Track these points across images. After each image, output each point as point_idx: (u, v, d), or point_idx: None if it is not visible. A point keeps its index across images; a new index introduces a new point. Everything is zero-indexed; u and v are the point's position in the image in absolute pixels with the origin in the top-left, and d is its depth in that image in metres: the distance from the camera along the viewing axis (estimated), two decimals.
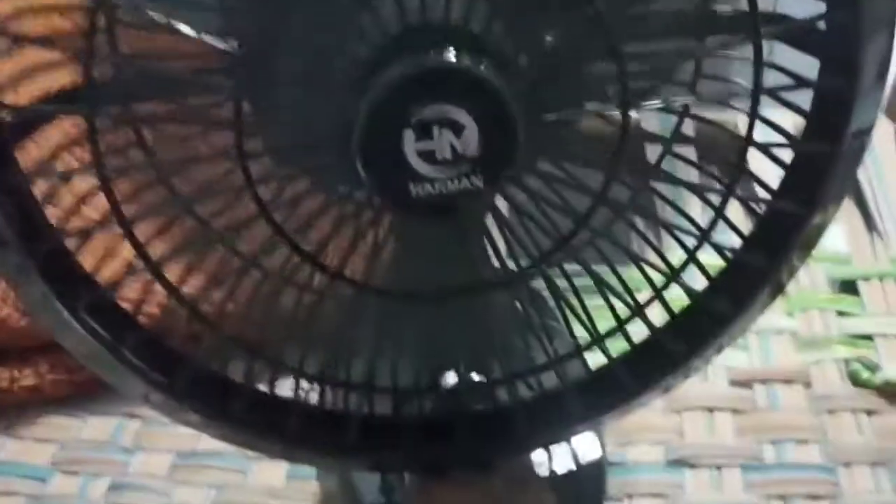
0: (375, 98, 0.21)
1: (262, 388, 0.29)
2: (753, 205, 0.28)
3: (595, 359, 0.30)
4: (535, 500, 0.31)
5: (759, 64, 0.24)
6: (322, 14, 0.23)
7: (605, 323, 0.29)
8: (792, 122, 0.27)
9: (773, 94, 0.25)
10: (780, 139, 0.27)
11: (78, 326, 0.26)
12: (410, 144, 0.22)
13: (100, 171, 0.24)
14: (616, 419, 0.31)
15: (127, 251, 0.27)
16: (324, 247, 0.25)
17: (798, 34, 0.25)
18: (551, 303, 0.32)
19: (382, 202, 0.24)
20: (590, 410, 0.30)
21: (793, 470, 0.40)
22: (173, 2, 0.23)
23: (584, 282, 0.29)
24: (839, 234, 0.53)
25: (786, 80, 0.26)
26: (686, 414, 0.43)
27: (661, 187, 0.31)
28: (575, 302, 0.31)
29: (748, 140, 0.26)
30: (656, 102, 0.25)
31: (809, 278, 0.51)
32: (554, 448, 0.36)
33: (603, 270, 0.29)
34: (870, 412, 0.43)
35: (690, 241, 0.28)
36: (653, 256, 0.29)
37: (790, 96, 0.26)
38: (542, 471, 0.36)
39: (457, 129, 0.22)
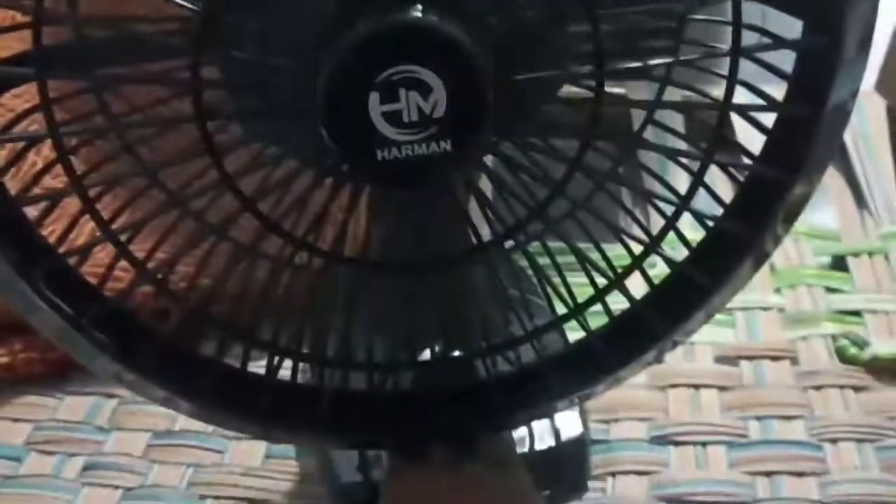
0: (338, 58, 0.21)
1: (234, 363, 0.29)
2: (735, 172, 0.27)
3: (576, 334, 0.30)
4: (513, 483, 0.30)
5: (738, 25, 0.24)
6: None
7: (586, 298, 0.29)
8: (778, 95, 0.27)
9: (753, 55, 0.25)
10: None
11: (38, 299, 0.25)
12: (376, 106, 0.21)
13: (55, 138, 0.23)
14: (597, 394, 0.30)
15: (91, 224, 0.26)
16: (289, 215, 0.24)
17: None
18: (530, 275, 0.31)
19: (349, 167, 0.23)
20: (568, 385, 0.30)
21: (778, 446, 0.40)
22: None
23: (564, 256, 0.29)
24: (829, 211, 0.53)
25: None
26: (671, 391, 0.43)
27: (644, 157, 0.31)
28: (554, 274, 0.31)
29: (727, 104, 0.25)
30: (633, 65, 0.24)
31: (798, 254, 0.51)
32: (535, 425, 0.36)
33: (585, 245, 0.28)
34: (857, 388, 0.43)
35: (671, 211, 0.27)
36: (635, 229, 0.28)
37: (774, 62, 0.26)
38: (522, 448, 0.36)
39: (424, 90, 0.21)
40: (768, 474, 0.39)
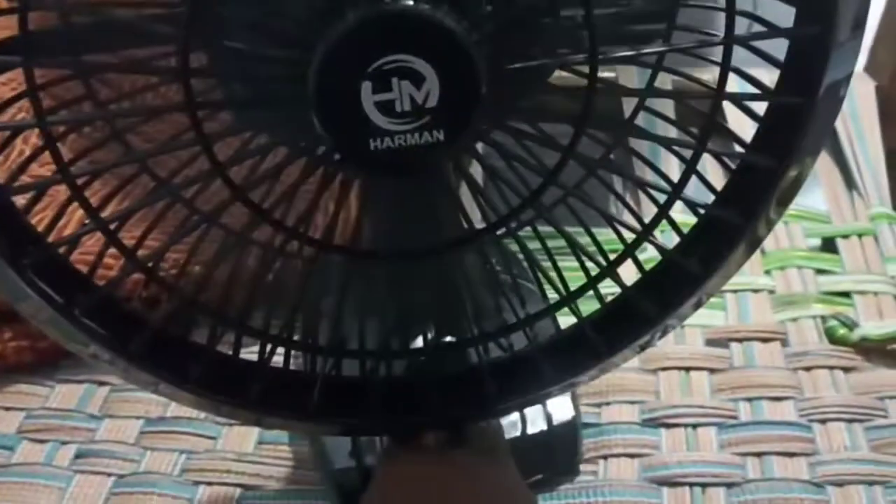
0: (330, 47, 0.20)
1: (225, 350, 0.29)
2: (728, 159, 0.27)
3: (569, 320, 0.30)
4: (500, 472, 0.30)
5: (731, 12, 0.23)
6: None
7: (578, 285, 0.29)
8: (770, 80, 0.27)
9: (747, 43, 0.24)
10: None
11: (27, 289, 0.25)
12: (368, 96, 0.21)
13: (42, 126, 0.22)
14: (589, 380, 0.31)
15: (81, 211, 0.26)
16: (280, 204, 0.24)
17: None
18: (523, 263, 0.31)
19: (342, 157, 0.23)
20: (560, 371, 0.30)
21: (768, 427, 0.40)
22: None
23: (556, 240, 0.28)
24: (818, 193, 0.53)
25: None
26: (662, 373, 0.43)
27: (636, 143, 0.31)
28: (546, 261, 0.31)
29: (720, 92, 0.25)
30: (626, 53, 0.24)
31: (788, 236, 0.51)
32: (527, 409, 0.36)
33: (577, 232, 0.28)
34: (846, 369, 0.43)
35: (664, 200, 0.27)
36: (627, 216, 0.28)
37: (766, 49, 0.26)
38: (515, 432, 0.36)
39: (416, 79, 0.21)
40: (759, 455, 0.39)
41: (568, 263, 0.30)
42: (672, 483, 0.38)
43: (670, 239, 0.29)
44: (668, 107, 0.46)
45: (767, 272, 0.49)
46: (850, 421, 0.40)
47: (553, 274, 0.30)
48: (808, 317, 0.46)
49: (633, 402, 0.42)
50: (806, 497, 0.37)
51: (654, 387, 0.42)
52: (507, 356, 0.30)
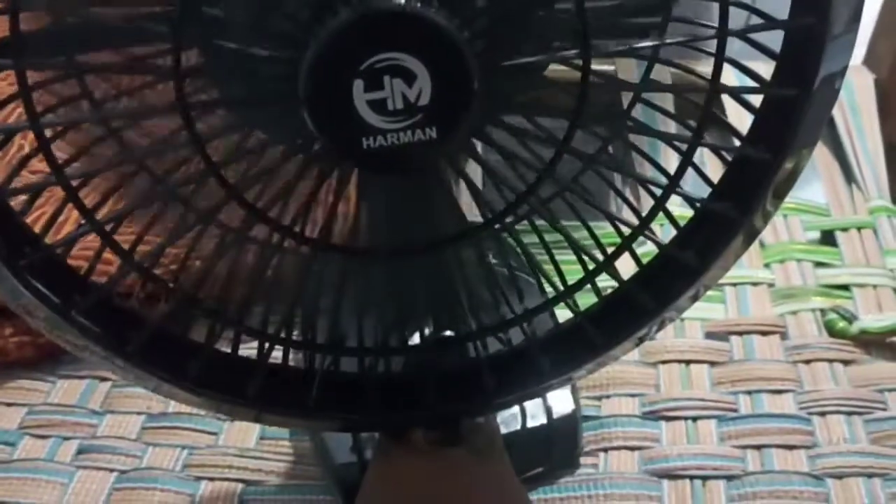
0: (321, 45, 0.20)
1: (223, 348, 0.29)
2: (724, 152, 0.27)
3: (567, 314, 0.30)
4: (495, 471, 0.30)
5: (724, 3, 0.23)
6: None
7: (576, 279, 0.29)
8: (767, 72, 0.26)
9: (742, 35, 0.24)
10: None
11: (25, 290, 0.25)
12: (360, 94, 0.21)
13: (35, 128, 0.22)
14: (588, 373, 0.31)
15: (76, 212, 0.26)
16: (276, 203, 0.24)
17: None
18: (520, 254, 0.31)
19: (334, 156, 0.23)
20: (559, 365, 0.30)
21: (768, 420, 0.40)
22: None
23: (555, 237, 0.28)
24: (817, 185, 0.53)
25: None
26: (662, 366, 0.43)
27: (636, 140, 0.31)
28: (543, 256, 0.31)
29: (715, 84, 0.25)
30: (620, 48, 0.24)
31: (787, 229, 0.51)
32: (527, 403, 0.36)
33: (575, 226, 0.28)
34: (846, 362, 0.43)
35: (660, 192, 0.27)
36: (624, 210, 0.28)
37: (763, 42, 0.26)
38: (515, 426, 0.36)
39: (408, 77, 0.21)
40: (758, 447, 0.39)
41: (566, 257, 0.30)
42: (672, 476, 0.38)
43: (670, 232, 0.29)
44: (667, 100, 0.46)
45: (767, 265, 0.49)
46: (849, 413, 0.40)
47: (551, 268, 0.30)
48: (808, 310, 0.46)
49: (633, 395, 0.42)
50: (805, 489, 0.37)
51: (654, 380, 0.43)
52: (505, 350, 0.30)
